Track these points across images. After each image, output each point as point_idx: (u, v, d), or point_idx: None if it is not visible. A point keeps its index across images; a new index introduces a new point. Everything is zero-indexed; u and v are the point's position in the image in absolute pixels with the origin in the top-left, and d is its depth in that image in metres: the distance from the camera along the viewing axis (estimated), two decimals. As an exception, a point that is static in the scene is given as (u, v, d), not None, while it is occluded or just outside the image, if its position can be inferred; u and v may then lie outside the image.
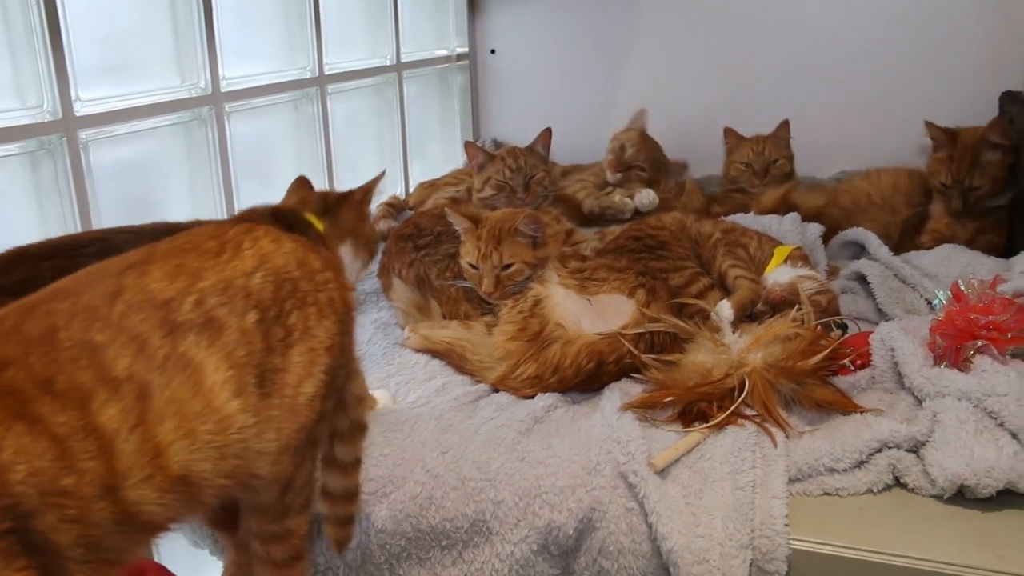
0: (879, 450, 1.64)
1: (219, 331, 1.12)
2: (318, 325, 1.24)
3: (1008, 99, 2.83)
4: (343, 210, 1.88)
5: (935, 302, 2.02)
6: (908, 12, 3.07)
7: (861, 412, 1.76)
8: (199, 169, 2.30)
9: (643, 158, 3.03)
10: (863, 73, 3.15)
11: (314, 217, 1.78)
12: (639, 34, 3.38)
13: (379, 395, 1.94)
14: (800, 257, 2.27)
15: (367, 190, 1.94)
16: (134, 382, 1.02)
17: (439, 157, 3.45)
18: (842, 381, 1.88)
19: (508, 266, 2.14)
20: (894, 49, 3.10)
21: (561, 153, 3.18)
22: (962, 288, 1.88)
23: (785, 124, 3.03)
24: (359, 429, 1.49)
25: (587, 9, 3.41)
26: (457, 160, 3.35)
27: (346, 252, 1.88)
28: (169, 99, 2.18)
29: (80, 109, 1.93)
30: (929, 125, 2.69)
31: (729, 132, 3.10)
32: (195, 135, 2.29)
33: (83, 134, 1.94)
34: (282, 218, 1.76)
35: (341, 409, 1.43)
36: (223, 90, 2.31)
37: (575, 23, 3.44)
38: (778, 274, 2.16)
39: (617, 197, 2.86)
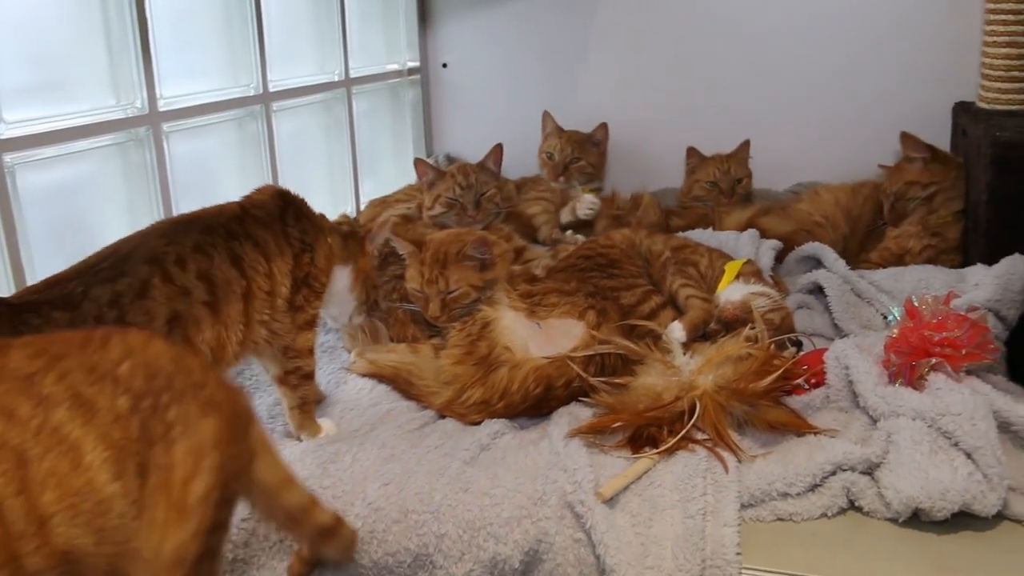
0: (833, 473, 1.61)
1: (91, 410, 1.07)
2: (201, 420, 1.18)
3: (960, 109, 2.83)
4: (352, 239, 1.95)
5: (889, 318, 1.99)
6: (862, 26, 3.05)
7: (815, 433, 1.72)
8: (137, 192, 2.23)
9: (570, 151, 3.05)
10: (817, 85, 3.14)
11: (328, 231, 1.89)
12: (593, 47, 3.34)
13: (324, 424, 1.88)
14: (752, 272, 2.23)
15: (369, 230, 2.02)
16: (9, 449, 0.99)
17: (391, 173, 3.38)
18: (797, 400, 1.84)
19: (454, 290, 2.08)
20: (848, 62, 3.09)
21: (516, 167, 3.14)
22: (916, 304, 1.85)
23: (746, 144, 3.04)
24: (331, 532, 1.48)
25: (540, 22, 3.37)
26: (410, 176, 3.28)
27: (342, 276, 1.91)
28: (103, 119, 2.11)
29: (5, 131, 1.86)
30: (881, 166, 2.84)
31: (692, 151, 3.11)
32: (132, 156, 2.21)
33: (8, 157, 1.86)
34: (287, 198, 1.85)
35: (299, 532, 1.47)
36: (161, 109, 2.24)
37: (528, 36, 3.40)
38: (730, 292, 2.12)
39: (568, 216, 2.84)
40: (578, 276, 2.15)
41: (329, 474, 1.68)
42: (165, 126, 2.26)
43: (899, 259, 2.56)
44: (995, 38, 2.60)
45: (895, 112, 3.02)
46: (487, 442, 1.76)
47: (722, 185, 3.00)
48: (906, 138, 2.67)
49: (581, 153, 3.05)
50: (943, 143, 2.90)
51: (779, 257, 2.62)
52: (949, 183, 2.60)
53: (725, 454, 1.65)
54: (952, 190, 2.60)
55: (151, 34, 2.18)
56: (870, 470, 1.61)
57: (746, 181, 3.02)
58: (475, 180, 2.74)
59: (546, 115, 3.16)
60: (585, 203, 2.81)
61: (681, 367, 1.84)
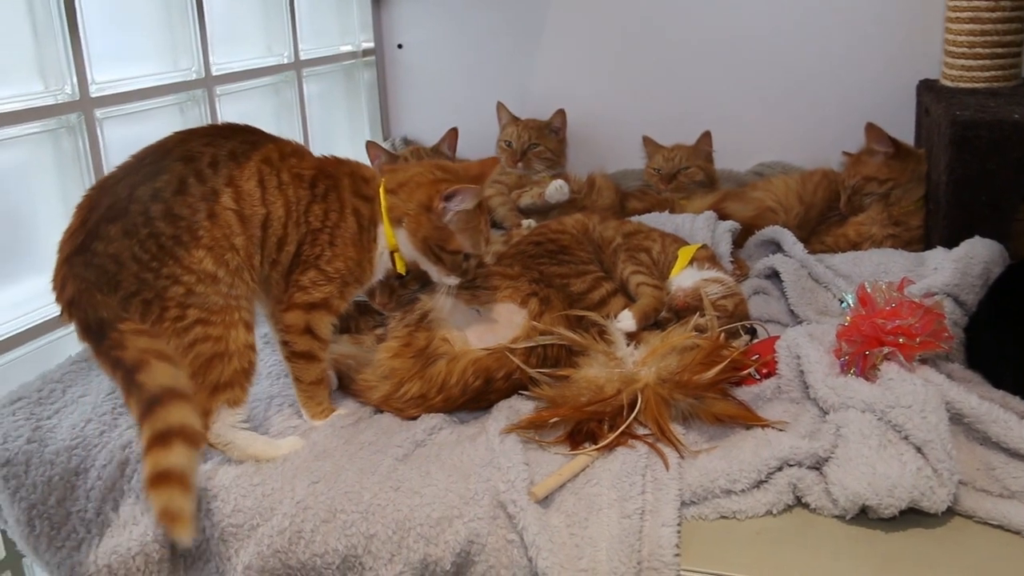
0: (779, 468, 1.56)
1: None
2: None
3: (923, 87, 2.77)
4: None
5: (843, 305, 1.93)
6: (825, 3, 3.00)
7: (763, 426, 1.66)
8: (70, 181, 2.16)
9: (528, 137, 2.98)
10: (780, 64, 3.08)
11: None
12: (552, 25, 3.27)
13: (289, 441, 1.72)
14: (706, 258, 2.16)
15: None
16: None
17: (347, 156, 3.29)
18: (747, 391, 1.79)
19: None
20: (811, 40, 3.03)
21: (474, 150, 3.08)
22: (869, 291, 1.79)
23: (707, 135, 2.99)
24: None
25: (498, 1, 3.29)
26: (364, 161, 3.22)
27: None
28: (30, 106, 2.03)
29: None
30: (845, 153, 2.75)
31: (647, 140, 3.10)
32: (63, 144, 2.14)
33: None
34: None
35: None
36: (93, 95, 2.16)
37: (485, 15, 3.33)
38: (682, 278, 2.06)
39: (528, 200, 2.76)
40: (525, 262, 2.08)
41: (260, 471, 1.62)
42: (98, 112, 2.19)
43: (856, 247, 2.50)
44: (957, 14, 2.55)
45: (859, 91, 2.99)
46: (423, 438, 1.70)
47: (662, 171, 2.95)
48: (871, 129, 2.59)
49: (539, 139, 2.99)
50: (908, 123, 2.87)
51: (740, 242, 2.57)
52: (907, 179, 2.54)
53: (667, 450, 1.59)
54: (910, 183, 2.54)
55: (79, 15, 2.11)
56: (818, 465, 1.55)
57: (692, 170, 2.94)
58: (428, 164, 2.66)
59: (500, 106, 3.12)
60: (553, 187, 2.73)
61: (624, 358, 1.78)
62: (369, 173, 1.84)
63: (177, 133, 1.71)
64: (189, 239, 1.60)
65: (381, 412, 1.84)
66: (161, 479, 1.39)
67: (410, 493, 1.53)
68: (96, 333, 1.55)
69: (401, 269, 1.84)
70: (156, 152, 1.65)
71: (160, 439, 1.43)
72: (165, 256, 1.58)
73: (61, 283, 1.58)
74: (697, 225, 2.50)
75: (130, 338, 1.53)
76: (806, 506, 1.53)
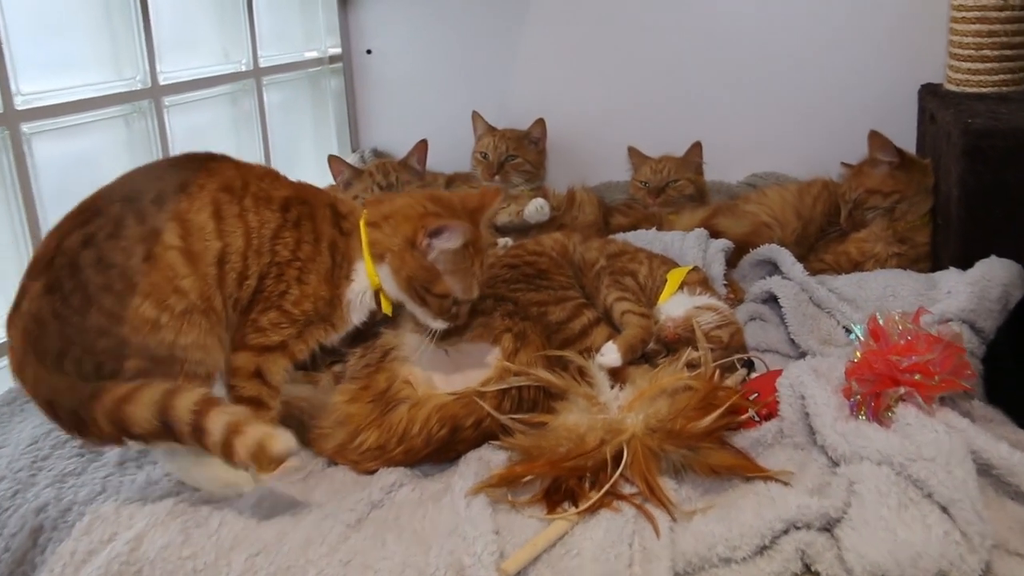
0: (785, 531, 1.36)
1: None
2: None
3: (926, 92, 2.64)
4: None
5: (851, 336, 1.74)
6: (824, 8, 2.89)
7: (765, 478, 1.47)
8: (-7, 200, 1.97)
9: (505, 148, 2.85)
10: (773, 67, 2.98)
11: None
12: (531, 30, 3.17)
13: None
14: (698, 282, 1.98)
15: None
16: None
17: (313, 170, 3.10)
18: (746, 436, 1.61)
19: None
20: (806, 42, 2.93)
21: (448, 162, 2.97)
22: (881, 323, 1.60)
23: (697, 146, 2.86)
24: None
25: (472, 4, 3.17)
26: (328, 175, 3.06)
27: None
28: (-56, 121, 1.85)
29: None
30: (844, 164, 2.64)
31: (632, 152, 2.99)
32: (-15, 161, 1.95)
33: None
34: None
35: None
36: (19, 107, 1.98)
37: (460, 18, 3.21)
38: (672, 305, 1.88)
39: (505, 217, 2.57)
40: (499, 288, 1.89)
41: (191, 541, 1.42)
42: (25, 127, 2.01)
43: (858, 266, 2.34)
44: (963, 14, 2.41)
45: (857, 96, 2.88)
46: (379, 497, 1.51)
47: (650, 185, 2.83)
48: (874, 137, 2.44)
49: (517, 151, 2.84)
50: (909, 130, 2.75)
51: (733, 261, 2.40)
52: (913, 192, 2.40)
53: (657, 512, 1.39)
54: (917, 196, 2.40)
55: (2, 22, 1.92)
56: (828, 526, 1.36)
57: (682, 183, 2.81)
58: (396, 179, 2.53)
59: (475, 116, 2.98)
60: (533, 207, 2.55)
61: (608, 403, 1.58)
62: (346, 208, 1.67)
63: (127, 172, 1.58)
64: (122, 287, 1.44)
65: (335, 464, 1.64)
66: (227, 449, 1.38)
67: (362, 568, 1.34)
68: (56, 415, 1.45)
69: (387, 310, 1.67)
70: (96, 196, 1.52)
71: (197, 434, 1.39)
72: (88, 307, 1.42)
73: (11, 352, 1.48)
74: (687, 244, 2.33)
75: (89, 408, 1.40)
76: (816, 575, 1.34)
